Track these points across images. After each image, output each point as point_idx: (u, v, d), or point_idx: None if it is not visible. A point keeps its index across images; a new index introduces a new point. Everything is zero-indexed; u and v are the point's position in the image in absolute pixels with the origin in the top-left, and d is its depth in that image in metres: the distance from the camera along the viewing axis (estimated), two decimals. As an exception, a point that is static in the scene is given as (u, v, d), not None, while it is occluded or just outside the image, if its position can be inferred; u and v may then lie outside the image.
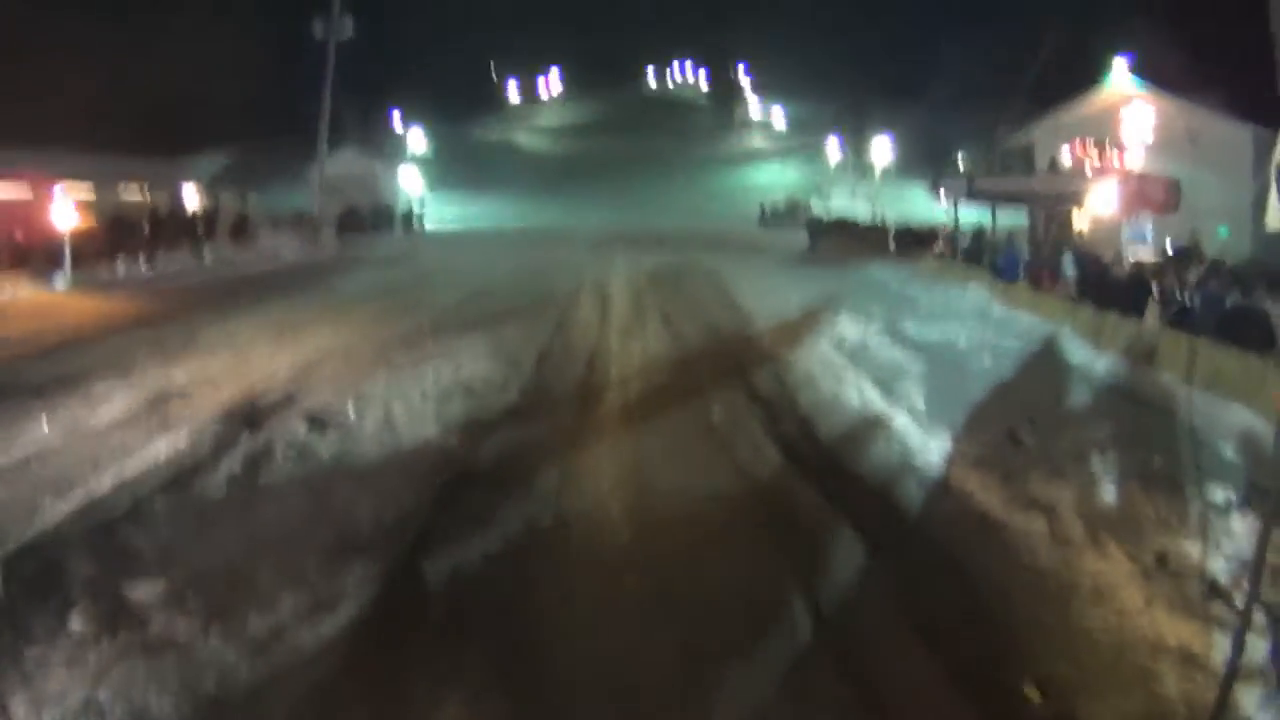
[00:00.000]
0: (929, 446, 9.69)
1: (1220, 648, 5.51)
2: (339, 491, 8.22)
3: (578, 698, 5.25)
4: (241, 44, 56.77)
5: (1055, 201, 25.88)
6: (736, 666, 5.48)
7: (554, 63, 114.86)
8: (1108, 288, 16.69)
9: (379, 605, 6.18)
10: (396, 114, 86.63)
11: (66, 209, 25.24)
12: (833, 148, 76.95)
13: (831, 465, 9.40)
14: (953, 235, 29.22)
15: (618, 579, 6.67)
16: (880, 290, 23.11)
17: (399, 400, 11.10)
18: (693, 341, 15.79)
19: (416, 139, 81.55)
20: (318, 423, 10.29)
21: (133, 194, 38.11)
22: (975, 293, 21.04)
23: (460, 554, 6.91)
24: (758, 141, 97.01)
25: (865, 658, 5.67)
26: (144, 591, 6.31)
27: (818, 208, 56.86)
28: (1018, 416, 10.33)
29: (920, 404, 11.16)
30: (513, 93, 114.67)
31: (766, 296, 21.22)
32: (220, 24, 56.04)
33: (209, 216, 37.33)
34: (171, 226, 33.49)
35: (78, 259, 25.35)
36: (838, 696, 5.26)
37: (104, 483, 8.57)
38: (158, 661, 5.47)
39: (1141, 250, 21.89)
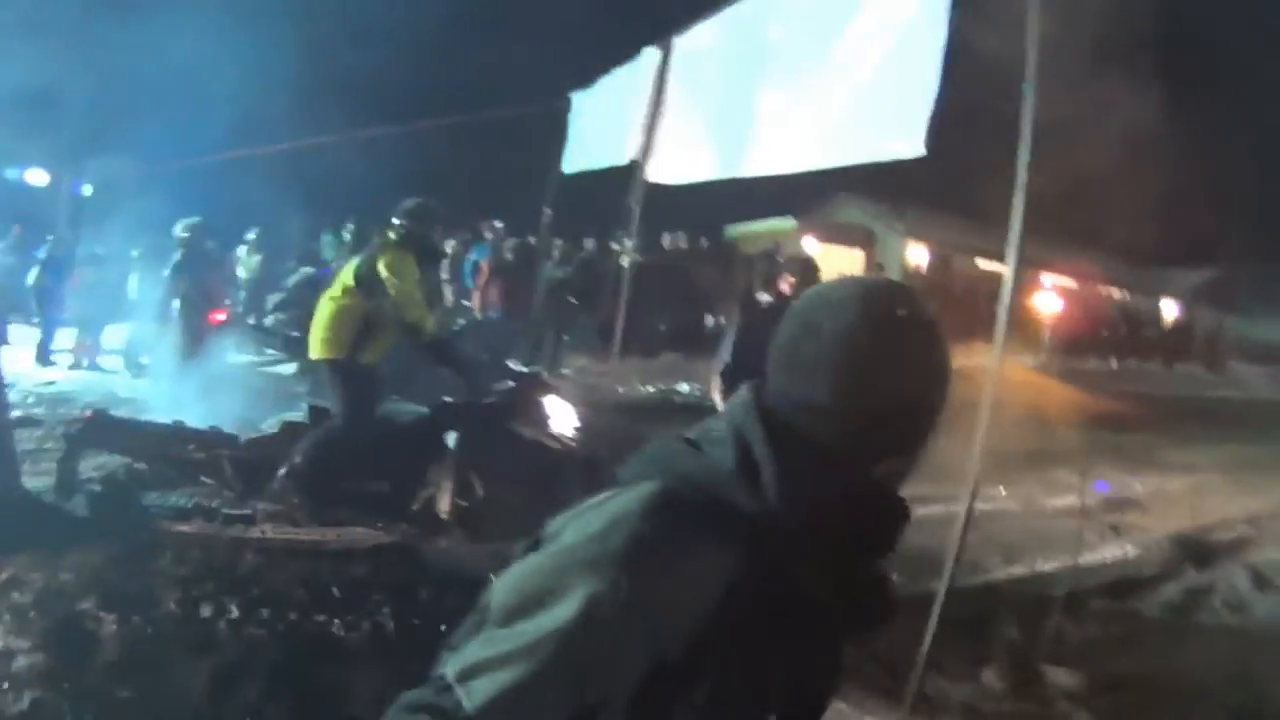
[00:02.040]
0: None
1: None
2: (1266, 659, 7.96)
3: None
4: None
5: None
6: None
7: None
8: None
9: None
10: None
11: (1048, 295, 27.36)
12: None
13: None
14: None
15: None
16: None
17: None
18: None
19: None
20: (1263, 580, 9.98)
21: (1115, 295, 39.33)
22: None
23: None
24: None
25: None
26: (1059, 676, 6.93)
27: None
28: None
29: None
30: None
31: None
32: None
33: (1184, 332, 37.23)
34: (1146, 333, 34.07)
35: (1051, 344, 27.27)
36: None
37: (1048, 563, 9.54)
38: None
39: None
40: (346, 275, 8.11)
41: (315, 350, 8.00)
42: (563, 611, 1.33)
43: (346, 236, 19.09)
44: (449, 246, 18.66)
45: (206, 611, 6.12)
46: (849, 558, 1.52)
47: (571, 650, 1.32)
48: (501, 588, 1.44)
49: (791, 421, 1.49)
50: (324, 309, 8.06)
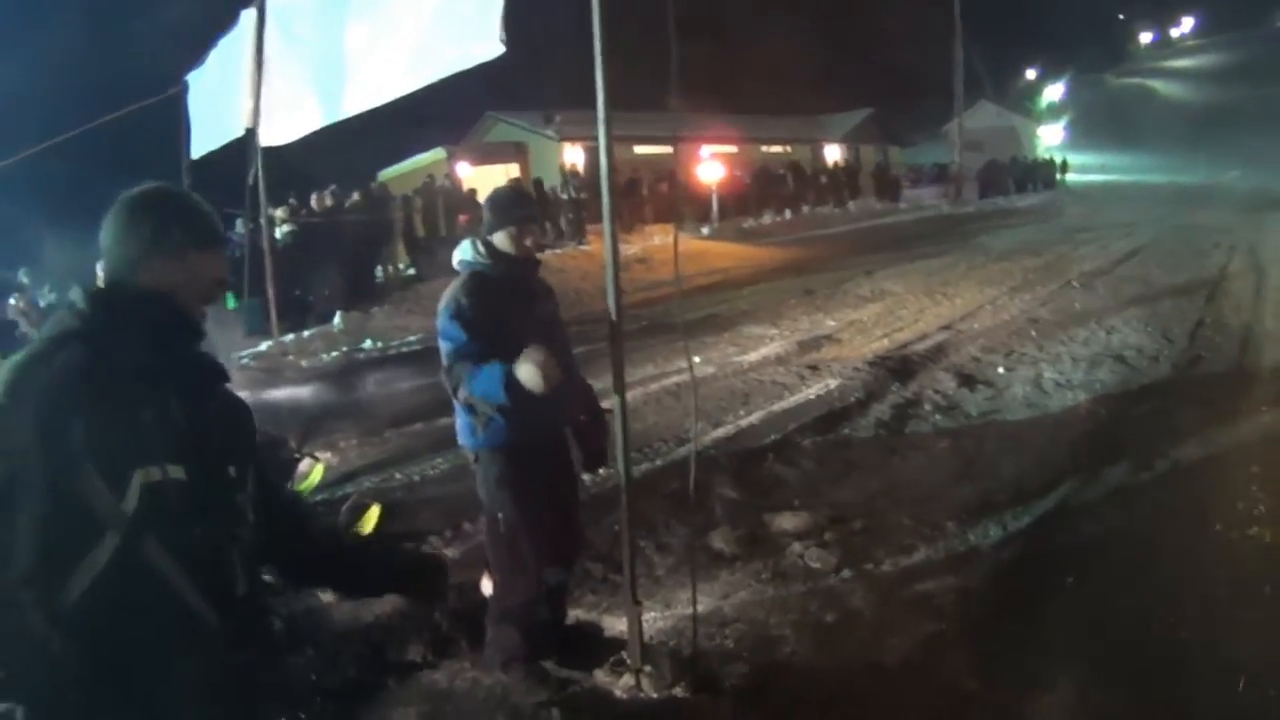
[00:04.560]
0: None
1: None
2: (984, 449, 8.19)
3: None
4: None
5: None
6: None
7: (1187, 10, 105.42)
8: None
9: (1010, 568, 6.00)
10: (1030, 69, 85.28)
11: (711, 164, 28.08)
12: None
13: None
14: None
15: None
16: None
17: (1047, 363, 10.80)
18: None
19: (1052, 90, 79.19)
20: (966, 379, 10.33)
21: (776, 150, 40.92)
22: None
23: (1098, 530, 6.52)
24: None
25: None
26: (784, 522, 6.70)
27: None
28: None
29: None
30: (1144, 36, 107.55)
31: None
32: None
33: (850, 170, 38.94)
34: (814, 180, 35.33)
35: (723, 209, 27.97)
36: None
37: (752, 416, 9.45)
38: (785, 588, 5.81)
39: None
40: None
41: None
42: None
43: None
44: (99, 268, 17.28)
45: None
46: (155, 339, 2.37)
47: None
48: None
49: None
50: None
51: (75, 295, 2.38)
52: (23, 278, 16.98)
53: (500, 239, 4.75)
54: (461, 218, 22.91)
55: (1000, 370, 10.63)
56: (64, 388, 2.14)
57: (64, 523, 2.10)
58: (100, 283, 2.46)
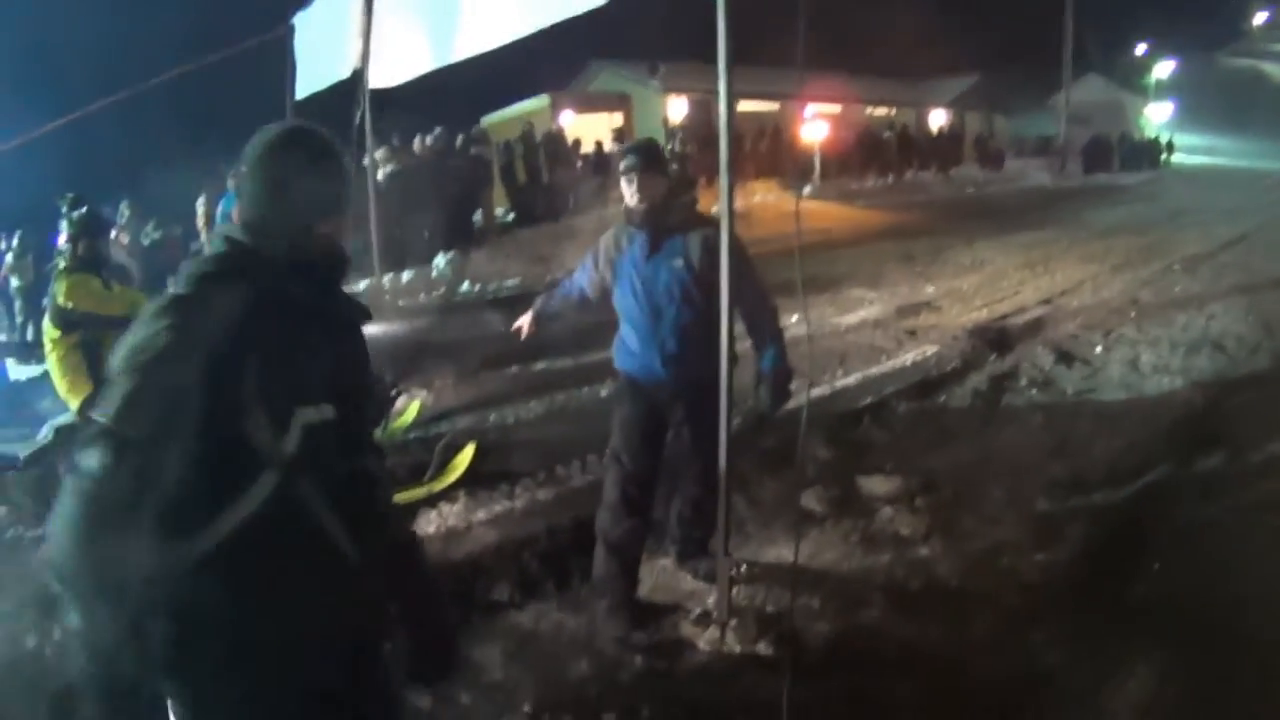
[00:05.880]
0: None
1: None
2: (1078, 427, 8.07)
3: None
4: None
5: None
6: None
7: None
8: None
9: (1098, 548, 5.91)
10: (1140, 44, 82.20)
11: (815, 124, 27.73)
12: None
13: None
14: None
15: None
16: None
17: (1145, 346, 10.59)
18: None
19: (1161, 68, 76.38)
20: (1064, 355, 10.14)
21: (880, 112, 40.33)
22: None
23: (1187, 518, 6.39)
24: None
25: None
26: (875, 486, 6.74)
27: None
28: None
29: None
30: (1259, 17, 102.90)
31: None
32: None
33: (954, 137, 38.24)
34: (918, 146, 34.75)
35: (825, 169, 27.66)
36: None
37: (849, 378, 9.52)
38: (873, 552, 5.85)
39: None
40: (48, 327, 7.35)
41: (67, 397, 7.15)
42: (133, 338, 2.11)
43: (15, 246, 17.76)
44: (199, 204, 17.82)
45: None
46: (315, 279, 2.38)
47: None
48: None
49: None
50: (51, 361, 7.35)
51: (229, 230, 2.37)
52: (124, 209, 17.30)
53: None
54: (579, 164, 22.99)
55: (1098, 349, 10.42)
56: (238, 328, 2.10)
57: (222, 463, 2.09)
58: (201, 218, 2.50)
